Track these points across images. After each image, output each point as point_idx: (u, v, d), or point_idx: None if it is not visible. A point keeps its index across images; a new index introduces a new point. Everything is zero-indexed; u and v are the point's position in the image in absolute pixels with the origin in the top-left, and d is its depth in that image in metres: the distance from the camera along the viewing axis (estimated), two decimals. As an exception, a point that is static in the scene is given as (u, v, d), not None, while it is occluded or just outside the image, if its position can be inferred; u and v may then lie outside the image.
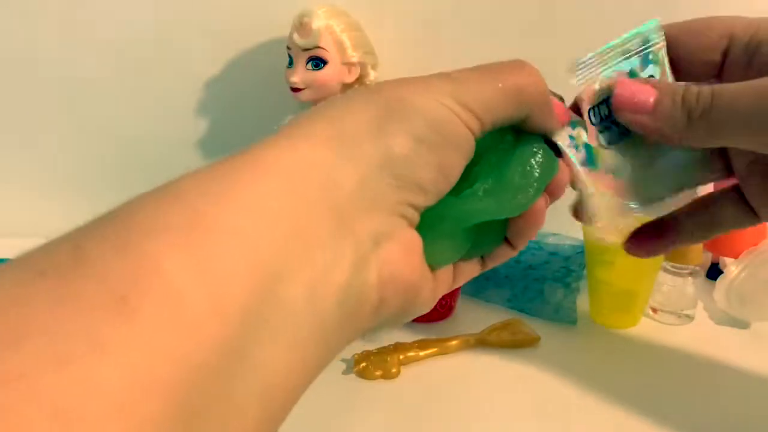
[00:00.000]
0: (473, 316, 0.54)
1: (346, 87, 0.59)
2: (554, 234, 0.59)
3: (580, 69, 0.30)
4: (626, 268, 0.51)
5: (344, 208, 0.21)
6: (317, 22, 0.55)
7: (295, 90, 0.57)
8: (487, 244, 0.29)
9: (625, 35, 0.31)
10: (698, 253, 0.57)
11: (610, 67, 0.30)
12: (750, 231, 0.62)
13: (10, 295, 0.15)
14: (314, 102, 0.58)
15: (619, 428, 0.41)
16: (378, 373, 0.46)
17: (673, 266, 0.55)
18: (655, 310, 0.55)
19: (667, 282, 0.55)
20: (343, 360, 0.48)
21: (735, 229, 0.36)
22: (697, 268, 0.55)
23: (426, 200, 0.24)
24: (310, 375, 0.21)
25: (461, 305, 0.56)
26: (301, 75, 0.56)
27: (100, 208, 0.18)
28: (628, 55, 0.31)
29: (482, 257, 0.29)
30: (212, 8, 0.63)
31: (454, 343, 0.49)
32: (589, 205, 0.30)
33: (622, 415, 0.42)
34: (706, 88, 0.30)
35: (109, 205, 0.19)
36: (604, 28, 0.59)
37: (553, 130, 0.28)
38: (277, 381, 0.19)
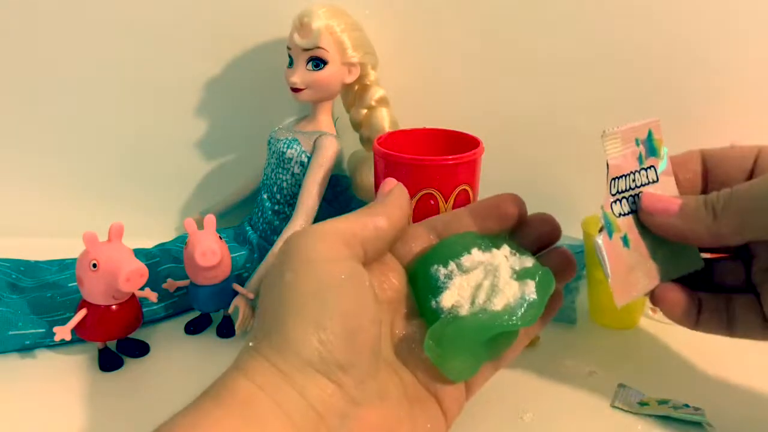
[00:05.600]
0: (473, 316, 0.54)
1: (346, 87, 0.59)
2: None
3: (608, 141, 0.35)
4: (626, 268, 0.51)
5: (295, 419, 0.27)
6: (317, 22, 0.55)
7: (295, 90, 0.57)
8: (505, 343, 0.36)
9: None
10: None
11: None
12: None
13: None
14: (314, 102, 0.58)
15: (619, 428, 0.41)
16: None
17: (673, 266, 0.55)
18: (655, 310, 0.55)
19: (667, 282, 0.55)
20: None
21: (747, 337, 0.37)
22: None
23: (351, 378, 0.29)
24: None
25: (461, 305, 0.56)
26: (301, 75, 0.56)
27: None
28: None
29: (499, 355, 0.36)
30: (212, 8, 0.63)
31: (454, 343, 0.49)
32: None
33: (622, 415, 0.42)
34: (724, 189, 0.32)
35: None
36: (603, 29, 0.59)
37: None
38: None
